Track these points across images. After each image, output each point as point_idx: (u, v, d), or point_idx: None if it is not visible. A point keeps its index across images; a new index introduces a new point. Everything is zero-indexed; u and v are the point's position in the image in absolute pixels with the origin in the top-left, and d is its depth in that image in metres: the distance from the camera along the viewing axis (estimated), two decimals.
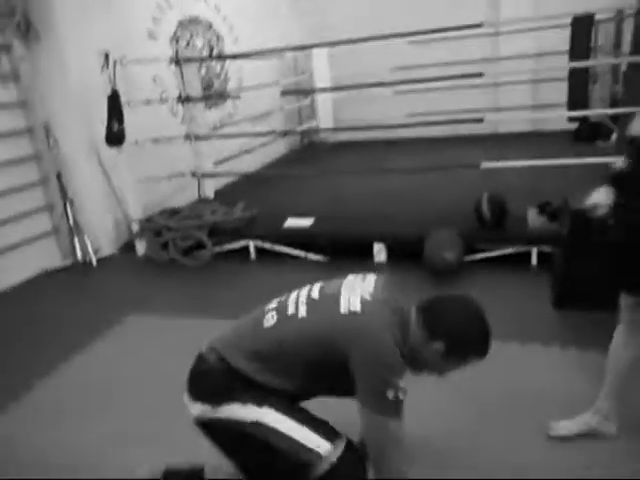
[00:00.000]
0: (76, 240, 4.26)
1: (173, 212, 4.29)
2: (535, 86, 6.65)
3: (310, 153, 7.40)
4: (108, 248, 4.47)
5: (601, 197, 1.74)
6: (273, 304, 1.58)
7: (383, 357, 1.39)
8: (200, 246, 4.07)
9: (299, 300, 1.53)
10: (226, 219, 4.07)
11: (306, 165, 6.42)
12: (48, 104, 4.16)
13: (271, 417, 1.44)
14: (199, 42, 5.60)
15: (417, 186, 4.86)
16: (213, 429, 1.51)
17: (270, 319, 1.51)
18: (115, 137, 3.99)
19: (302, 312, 1.49)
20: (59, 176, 4.22)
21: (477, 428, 2.10)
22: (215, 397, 1.47)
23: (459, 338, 1.47)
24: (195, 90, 4.46)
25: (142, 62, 4.32)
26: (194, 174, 4.50)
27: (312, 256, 3.94)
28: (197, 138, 4.46)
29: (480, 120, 3.70)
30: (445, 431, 2.09)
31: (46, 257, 4.25)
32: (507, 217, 3.75)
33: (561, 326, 2.85)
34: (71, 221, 4.26)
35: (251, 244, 4.09)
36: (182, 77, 4.30)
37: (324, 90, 6.23)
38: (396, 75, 6.35)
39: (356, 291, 1.49)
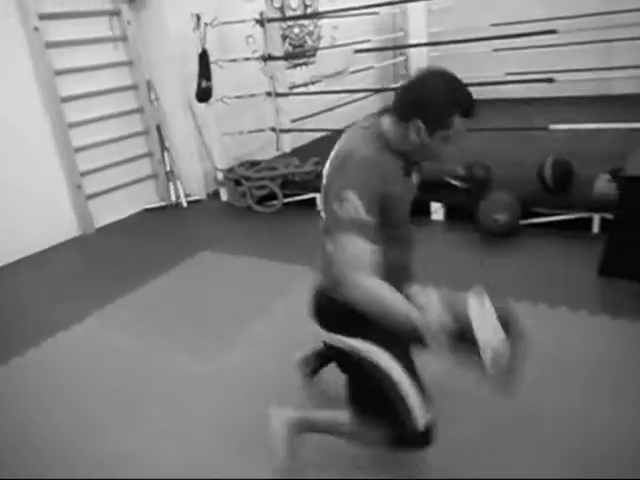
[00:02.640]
0: (171, 185, 4.87)
1: (252, 164, 4.70)
2: None
3: None
4: (198, 193, 5.03)
5: None
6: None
7: (351, 167, 1.35)
8: (273, 196, 4.45)
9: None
10: (296, 172, 4.39)
11: None
12: (151, 63, 4.72)
13: (384, 359, 1.44)
14: (294, 2, 5.85)
15: (488, 147, 4.78)
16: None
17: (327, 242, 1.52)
18: (203, 93, 4.42)
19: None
20: (159, 128, 4.81)
21: None
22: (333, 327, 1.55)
23: (426, 102, 1.32)
24: (277, 49, 4.74)
25: (231, 23, 4.67)
26: (273, 129, 4.85)
27: None
28: (277, 95, 4.77)
29: (550, 80, 3.55)
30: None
31: (147, 197, 4.93)
32: (572, 182, 3.64)
33: (602, 293, 2.82)
34: (167, 168, 4.87)
35: (318, 196, 4.37)
36: (265, 37, 4.59)
37: (399, 47, 6.12)
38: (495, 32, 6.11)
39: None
